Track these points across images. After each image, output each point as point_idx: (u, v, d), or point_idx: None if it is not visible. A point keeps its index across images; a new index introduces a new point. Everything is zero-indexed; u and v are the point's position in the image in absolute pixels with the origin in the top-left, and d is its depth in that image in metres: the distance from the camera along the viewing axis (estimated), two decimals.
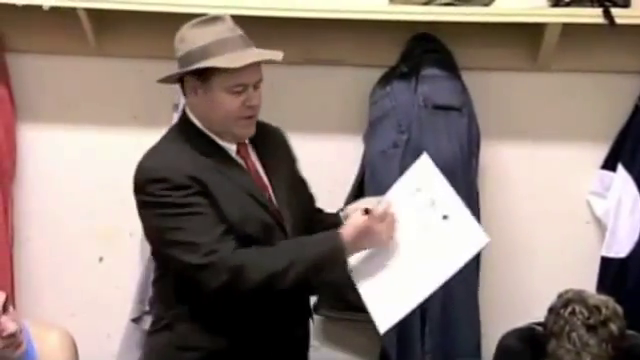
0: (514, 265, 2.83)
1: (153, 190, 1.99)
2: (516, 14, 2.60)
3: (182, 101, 2.44)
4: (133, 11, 2.59)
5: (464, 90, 2.66)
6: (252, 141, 2.16)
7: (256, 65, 2.03)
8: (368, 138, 2.68)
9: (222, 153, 2.09)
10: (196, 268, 1.95)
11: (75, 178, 2.87)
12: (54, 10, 2.62)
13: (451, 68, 2.67)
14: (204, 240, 1.96)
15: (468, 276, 2.57)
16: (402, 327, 2.52)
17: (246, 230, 2.02)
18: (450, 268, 2.02)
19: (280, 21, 2.57)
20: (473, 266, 2.59)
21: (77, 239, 2.88)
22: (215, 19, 2.04)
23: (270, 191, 2.13)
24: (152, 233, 2.06)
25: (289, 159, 2.27)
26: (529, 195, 2.82)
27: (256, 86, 2.06)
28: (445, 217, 2.06)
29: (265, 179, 2.14)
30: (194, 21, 2.06)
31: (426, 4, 2.59)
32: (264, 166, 2.16)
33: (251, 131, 2.10)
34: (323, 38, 2.72)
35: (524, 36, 2.70)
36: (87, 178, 2.86)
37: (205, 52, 2.00)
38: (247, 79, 2.03)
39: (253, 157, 2.16)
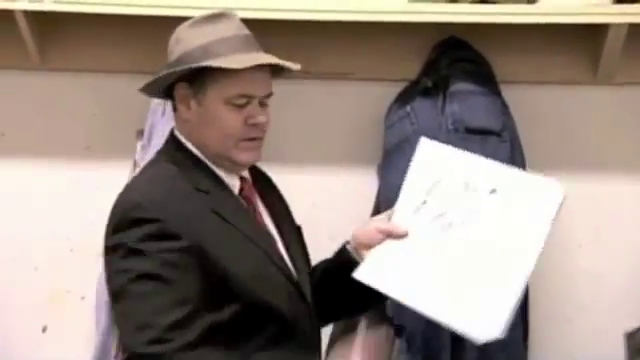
0: (569, 332, 2.72)
1: (130, 233, 1.85)
2: (569, 13, 2.53)
3: (148, 127, 2.53)
4: (86, 14, 2.52)
5: (504, 109, 2.59)
6: (251, 173, 2.09)
7: (265, 74, 1.97)
8: (384, 170, 2.61)
9: (223, 189, 2.00)
10: (136, 356, 1.83)
11: (12, 226, 2.77)
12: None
13: (488, 82, 2.61)
14: (157, 321, 1.80)
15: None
16: None
17: (259, 295, 1.90)
18: (536, 239, 1.93)
19: (273, 25, 2.49)
20: (520, 335, 2.49)
21: (15, 303, 2.76)
22: (219, 16, 2.00)
23: (280, 245, 2.04)
24: (112, 286, 1.91)
25: (285, 203, 2.19)
26: (591, 243, 2.72)
27: (263, 102, 1.98)
28: (493, 191, 2.00)
29: (273, 229, 2.06)
30: (193, 19, 2.03)
31: (454, 1, 2.54)
32: (269, 212, 2.08)
33: (255, 157, 2.01)
34: (327, 46, 2.68)
35: (580, 41, 2.66)
36: (27, 225, 2.77)
37: (204, 52, 1.94)
38: (252, 89, 1.95)
39: (257, 199, 2.08)
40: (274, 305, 1.92)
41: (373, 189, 2.63)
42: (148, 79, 2.53)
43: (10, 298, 2.75)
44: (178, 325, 1.82)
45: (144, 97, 2.54)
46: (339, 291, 2.04)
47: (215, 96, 1.94)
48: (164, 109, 2.50)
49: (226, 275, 1.88)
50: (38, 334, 2.77)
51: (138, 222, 1.86)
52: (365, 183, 2.66)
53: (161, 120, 2.51)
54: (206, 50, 1.94)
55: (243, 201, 2.03)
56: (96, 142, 2.75)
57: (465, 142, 2.45)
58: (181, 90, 1.97)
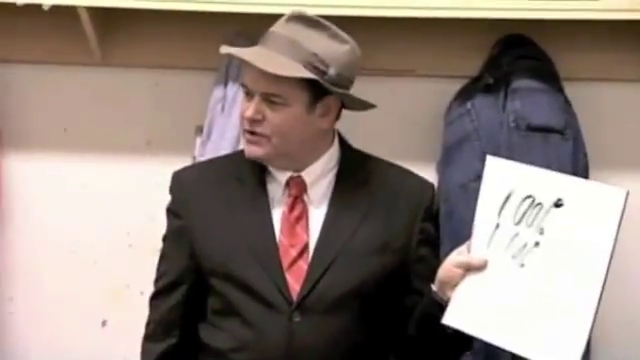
0: (632, 335, 2.70)
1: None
2: (634, 9, 2.50)
3: (207, 123, 2.58)
4: (147, 10, 2.54)
5: (567, 107, 2.58)
6: (344, 179, 2.04)
7: (265, 72, 1.90)
8: (443, 168, 2.62)
9: (258, 182, 2.00)
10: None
11: (73, 220, 2.80)
12: (47, 10, 2.55)
13: (550, 79, 2.60)
14: (155, 286, 2.12)
15: None
16: None
17: (227, 293, 1.99)
18: (602, 253, 1.86)
19: (333, 21, 2.37)
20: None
21: (74, 298, 2.79)
22: (296, 14, 2.03)
23: (298, 251, 1.98)
24: None
25: (398, 227, 2.05)
26: None
27: (266, 98, 1.93)
28: (558, 204, 1.92)
29: (307, 234, 1.99)
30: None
31: None
32: (329, 215, 2.00)
33: (253, 152, 1.97)
34: (388, 43, 2.66)
35: None
36: (88, 220, 2.80)
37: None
38: (247, 80, 1.97)
39: (310, 199, 2.01)
40: (233, 300, 1.96)
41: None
42: (208, 75, 2.60)
43: (70, 292, 2.79)
44: (155, 296, 2.12)
45: (204, 93, 2.60)
46: (434, 339, 1.95)
47: None
48: (223, 105, 2.54)
49: (200, 263, 2.01)
50: (97, 328, 2.80)
51: (169, 191, 2.08)
52: None
53: (221, 116, 2.54)
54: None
55: (286, 198, 1.99)
56: (156, 138, 2.77)
57: (526, 140, 2.50)
58: None
